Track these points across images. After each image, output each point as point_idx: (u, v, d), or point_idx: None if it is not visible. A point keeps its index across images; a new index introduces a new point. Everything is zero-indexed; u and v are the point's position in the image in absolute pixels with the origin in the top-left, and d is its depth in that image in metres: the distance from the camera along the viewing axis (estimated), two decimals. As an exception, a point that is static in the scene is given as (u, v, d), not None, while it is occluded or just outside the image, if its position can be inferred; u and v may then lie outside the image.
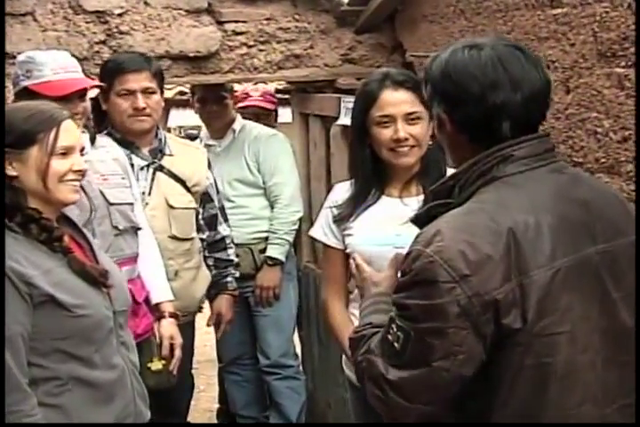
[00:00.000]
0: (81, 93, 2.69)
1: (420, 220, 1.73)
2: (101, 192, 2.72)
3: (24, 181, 2.11)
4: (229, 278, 3.74)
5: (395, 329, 1.60)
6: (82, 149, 2.20)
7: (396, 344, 1.59)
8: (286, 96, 5.48)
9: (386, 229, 2.55)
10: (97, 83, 2.82)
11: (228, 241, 3.67)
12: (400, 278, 1.65)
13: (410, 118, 2.54)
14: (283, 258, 4.04)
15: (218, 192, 3.67)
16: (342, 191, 2.70)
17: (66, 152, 2.13)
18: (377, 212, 2.61)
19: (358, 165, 2.65)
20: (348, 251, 2.63)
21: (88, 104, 2.74)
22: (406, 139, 2.52)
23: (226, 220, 3.70)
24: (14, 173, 2.10)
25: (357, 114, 2.63)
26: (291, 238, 4.07)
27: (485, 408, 1.60)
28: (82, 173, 2.17)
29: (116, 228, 2.78)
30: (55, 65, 2.69)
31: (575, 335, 1.58)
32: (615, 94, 2.47)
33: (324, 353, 4.27)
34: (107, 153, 2.87)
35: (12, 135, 2.09)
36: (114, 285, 2.23)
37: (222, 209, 3.69)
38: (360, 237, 2.59)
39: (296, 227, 4.08)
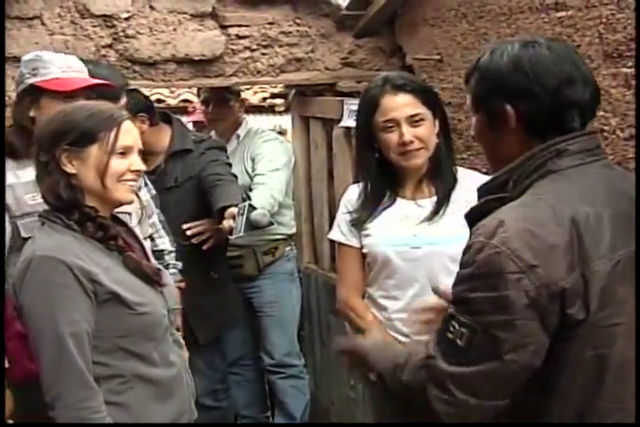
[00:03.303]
0: (87, 94, 2.67)
1: (473, 215, 1.73)
2: None
3: (82, 179, 2.12)
4: (172, 270, 3.48)
5: (457, 326, 1.57)
6: (140, 150, 2.21)
7: (458, 341, 1.57)
8: (279, 101, 5.50)
9: (402, 230, 2.61)
10: (104, 82, 2.79)
11: (152, 230, 3.44)
12: (460, 271, 1.62)
13: (413, 120, 2.59)
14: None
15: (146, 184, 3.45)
16: (357, 192, 2.74)
17: (125, 152, 2.14)
18: (393, 213, 2.66)
19: (367, 169, 2.69)
20: (364, 251, 2.69)
21: None
22: (412, 141, 2.57)
23: (157, 206, 3.50)
24: (73, 171, 2.11)
25: (362, 120, 2.68)
26: (268, 208, 3.67)
27: (542, 401, 1.61)
28: (139, 173, 2.19)
29: None
30: (62, 64, 2.70)
31: (630, 327, 1.60)
32: (622, 93, 2.55)
33: (326, 353, 4.33)
34: None
35: (73, 133, 2.11)
36: (167, 283, 2.26)
37: (154, 198, 3.49)
38: (377, 237, 2.64)
39: (269, 208, 3.70)
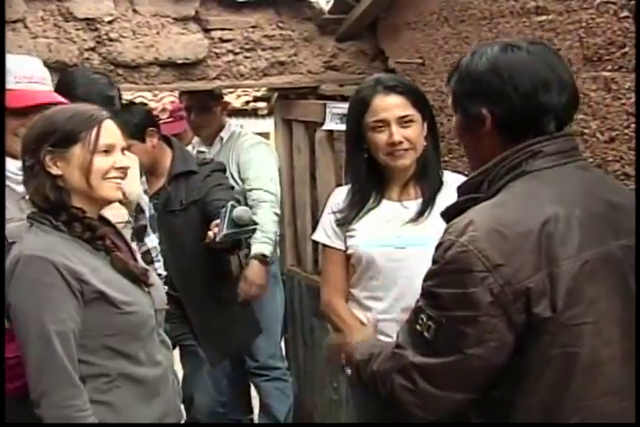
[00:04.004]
0: (43, 108, 2.42)
1: (448, 213, 1.76)
2: None
3: (68, 179, 2.15)
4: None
5: (424, 319, 1.63)
6: (123, 149, 2.23)
7: (426, 334, 1.63)
8: (262, 105, 5.52)
9: (387, 231, 2.62)
10: (61, 99, 2.57)
11: (154, 254, 3.40)
12: (431, 267, 1.67)
13: (403, 122, 2.61)
14: (270, 255, 3.97)
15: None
16: (343, 194, 2.76)
17: (108, 150, 2.17)
18: (378, 214, 2.68)
19: (356, 170, 2.71)
20: (349, 252, 2.70)
21: None
22: (401, 142, 2.59)
23: (154, 231, 3.45)
24: (58, 173, 2.14)
25: (352, 120, 2.70)
26: (274, 238, 4.03)
27: (509, 397, 1.63)
28: (124, 170, 2.21)
29: None
30: (20, 73, 2.53)
31: (600, 327, 1.62)
32: (602, 97, 2.59)
33: (310, 355, 4.35)
34: None
35: (56, 135, 2.14)
36: (154, 284, 2.28)
37: (151, 218, 3.44)
38: (362, 238, 2.66)
39: (277, 230, 4.06)
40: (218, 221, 3.11)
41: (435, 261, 1.66)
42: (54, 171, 2.14)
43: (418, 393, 1.65)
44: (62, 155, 2.14)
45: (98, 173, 2.15)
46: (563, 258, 1.59)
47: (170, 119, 4.62)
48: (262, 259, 3.91)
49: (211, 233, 3.11)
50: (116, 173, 2.18)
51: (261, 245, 3.91)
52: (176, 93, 4.76)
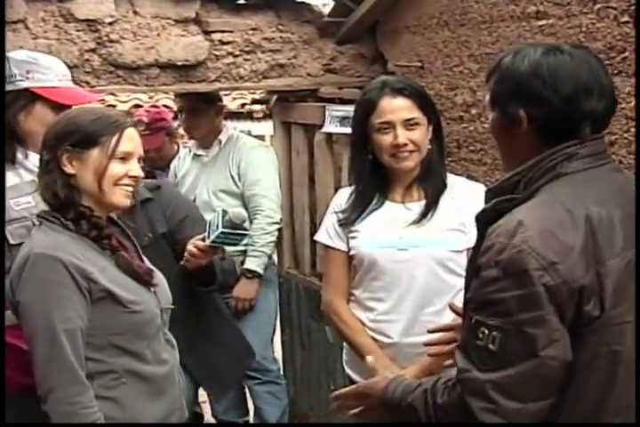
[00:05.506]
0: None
1: (486, 215, 1.74)
2: None
3: (81, 180, 2.19)
4: None
5: (486, 331, 1.58)
6: (140, 158, 2.27)
7: (491, 346, 1.57)
8: (257, 108, 5.50)
9: (389, 232, 2.64)
10: (100, 97, 2.77)
11: None
12: (483, 273, 1.62)
13: (409, 124, 2.62)
14: (261, 271, 4.04)
15: None
16: (346, 196, 2.78)
17: (125, 157, 2.20)
18: (381, 215, 2.70)
19: (360, 171, 2.73)
20: (351, 253, 2.72)
21: None
22: (405, 144, 2.61)
23: None
24: (72, 172, 2.18)
25: (358, 121, 2.71)
26: (269, 251, 4.09)
27: (557, 399, 1.60)
28: (137, 179, 2.24)
29: None
30: (59, 71, 2.66)
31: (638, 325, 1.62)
32: (602, 101, 2.60)
33: (306, 358, 4.35)
34: None
35: (77, 135, 2.18)
36: (158, 283, 2.31)
37: None
38: (364, 239, 2.67)
39: (274, 239, 4.11)
40: (200, 236, 2.64)
41: (486, 266, 1.62)
42: (68, 169, 2.19)
43: (502, 412, 1.57)
44: (79, 155, 2.18)
45: (110, 179, 2.19)
46: (609, 257, 1.60)
47: (146, 132, 4.18)
48: (250, 275, 3.99)
49: (191, 246, 2.60)
50: (129, 180, 2.22)
51: (250, 259, 3.97)
52: (172, 95, 4.77)
